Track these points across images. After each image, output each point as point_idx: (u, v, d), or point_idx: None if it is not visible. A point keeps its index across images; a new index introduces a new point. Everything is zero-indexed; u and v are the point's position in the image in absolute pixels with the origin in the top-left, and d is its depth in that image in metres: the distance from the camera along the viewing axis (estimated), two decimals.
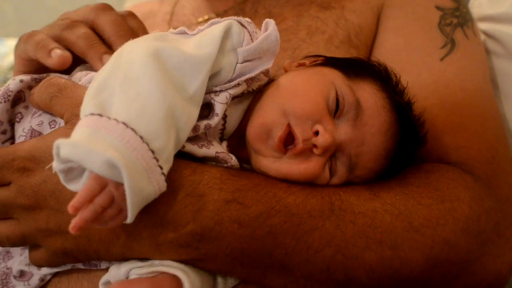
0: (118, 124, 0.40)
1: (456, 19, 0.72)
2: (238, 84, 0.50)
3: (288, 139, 0.50)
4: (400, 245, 0.49)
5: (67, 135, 0.46)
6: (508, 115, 0.77)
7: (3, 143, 0.55)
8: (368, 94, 0.53)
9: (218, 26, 0.49)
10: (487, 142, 0.62)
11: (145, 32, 0.62)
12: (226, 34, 0.49)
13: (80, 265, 0.52)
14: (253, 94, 0.54)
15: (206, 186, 0.47)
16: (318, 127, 0.49)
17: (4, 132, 0.55)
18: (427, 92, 0.63)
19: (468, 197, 0.54)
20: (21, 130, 0.54)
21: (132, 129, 0.40)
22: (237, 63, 0.50)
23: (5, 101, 0.54)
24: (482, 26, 0.86)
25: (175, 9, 0.91)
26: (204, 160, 0.50)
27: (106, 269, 0.50)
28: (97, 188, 0.40)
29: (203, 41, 0.48)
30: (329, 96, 0.51)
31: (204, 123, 0.48)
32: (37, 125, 0.54)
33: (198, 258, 0.47)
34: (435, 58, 0.68)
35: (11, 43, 2.22)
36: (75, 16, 0.60)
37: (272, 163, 0.50)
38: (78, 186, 0.42)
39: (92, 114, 0.41)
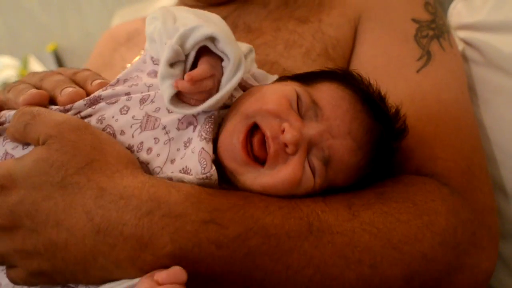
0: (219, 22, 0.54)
1: (432, 31, 0.73)
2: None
3: (259, 151, 0.51)
4: (379, 263, 0.49)
5: (41, 154, 0.48)
6: (486, 122, 0.78)
7: None
8: (324, 93, 0.54)
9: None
10: (462, 153, 0.63)
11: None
12: (252, 50, 0.61)
13: None
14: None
15: (182, 206, 0.46)
16: (285, 124, 0.50)
17: None
18: (403, 104, 0.64)
19: (445, 210, 0.54)
20: None
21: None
22: (249, 70, 0.61)
23: None
24: (460, 34, 0.87)
25: None
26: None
27: None
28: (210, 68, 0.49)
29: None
30: (291, 97, 0.53)
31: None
32: (12, 149, 0.54)
33: None
34: (411, 70, 0.69)
35: (2, 60, 2.23)
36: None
37: (254, 179, 0.50)
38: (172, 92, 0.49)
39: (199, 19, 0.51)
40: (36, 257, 0.48)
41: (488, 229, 0.58)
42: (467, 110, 0.69)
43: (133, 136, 0.53)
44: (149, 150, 0.52)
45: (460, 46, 0.86)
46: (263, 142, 0.51)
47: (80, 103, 0.55)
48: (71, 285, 0.51)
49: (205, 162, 0.50)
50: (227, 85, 0.49)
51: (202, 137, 0.51)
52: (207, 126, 0.51)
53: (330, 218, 0.50)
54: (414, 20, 0.73)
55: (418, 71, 0.68)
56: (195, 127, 0.52)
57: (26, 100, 0.54)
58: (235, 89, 0.54)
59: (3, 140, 0.55)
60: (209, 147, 0.50)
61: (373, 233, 0.50)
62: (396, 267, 0.50)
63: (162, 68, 0.49)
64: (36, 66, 2.32)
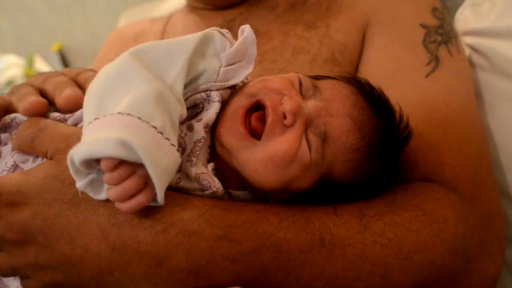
0: (115, 116, 0.42)
1: (440, 37, 0.73)
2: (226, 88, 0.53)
3: (256, 125, 0.51)
4: (389, 274, 0.50)
5: (50, 170, 0.48)
6: (493, 128, 0.79)
7: None
8: (326, 82, 0.55)
9: (199, 32, 0.52)
10: (470, 159, 0.63)
11: None
12: (207, 39, 0.52)
13: None
14: None
15: (196, 223, 0.46)
16: (285, 97, 0.51)
17: None
18: (413, 109, 0.64)
19: (454, 217, 0.55)
20: (4, 165, 0.54)
21: (129, 114, 0.42)
22: (220, 67, 0.53)
23: None
24: (467, 40, 0.88)
25: (166, 27, 0.93)
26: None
27: None
28: (114, 163, 0.41)
29: (182, 38, 0.51)
30: (293, 80, 0.54)
31: (185, 124, 0.50)
32: (22, 162, 0.54)
33: None
34: (420, 75, 0.69)
35: (8, 58, 2.24)
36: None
37: (250, 154, 0.50)
38: (104, 195, 0.45)
39: (90, 121, 0.43)
40: (49, 271, 0.48)
41: (495, 235, 0.58)
42: (474, 116, 0.69)
43: None
44: None
45: (467, 52, 0.86)
46: (261, 118, 0.51)
47: (79, 112, 0.54)
48: None
49: (207, 181, 0.50)
50: (150, 172, 0.41)
51: (192, 162, 0.50)
52: (198, 152, 0.50)
53: (341, 231, 0.50)
54: (422, 26, 0.74)
55: (426, 76, 0.69)
56: (183, 150, 0.51)
57: (25, 109, 0.53)
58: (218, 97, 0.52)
59: (12, 151, 0.54)
60: (203, 168, 0.50)
61: (384, 244, 0.50)
62: (406, 276, 0.50)
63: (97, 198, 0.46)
64: (41, 65, 2.32)
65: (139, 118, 0.42)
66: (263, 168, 0.50)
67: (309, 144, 0.51)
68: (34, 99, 0.54)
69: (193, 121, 0.51)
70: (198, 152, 0.50)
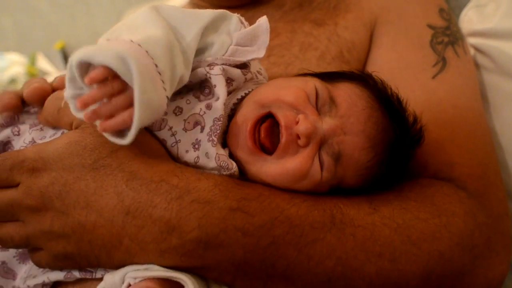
0: (126, 41, 0.43)
1: (447, 38, 0.73)
2: (232, 65, 0.53)
3: (265, 140, 0.51)
4: (398, 258, 0.50)
5: (74, 137, 0.50)
6: (498, 129, 0.79)
7: None
8: (342, 91, 0.54)
9: (218, 10, 0.53)
10: (478, 158, 0.63)
11: None
12: (224, 17, 0.53)
13: (76, 273, 0.52)
14: None
15: (211, 193, 0.47)
16: (300, 116, 0.50)
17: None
18: (420, 109, 0.65)
19: (462, 212, 0.55)
20: (22, 142, 0.55)
21: (139, 45, 0.43)
22: (230, 45, 0.53)
23: None
24: (472, 40, 0.88)
25: None
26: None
27: (101, 278, 0.50)
28: (109, 89, 0.42)
29: (200, 10, 0.52)
30: (310, 91, 0.53)
31: (204, 103, 0.51)
32: (40, 139, 0.55)
33: (201, 266, 0.48)
34: (427, 76, 0.69)
35: (11, 57, 2.24)
36: None
37: (260, 168, 0.51)
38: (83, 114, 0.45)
39: (102, 41, 0.45)
40: (62, 240, 0.49)
41: (502, 235, 0.59)
42: (481, 116, 0.69)
43: None
44: None
45: (471, 52, 0.86)
46: (271, 131, 0.51)
47: None
48: (88, 269, 0.52)
49: (225, 163, 0.50)
50: (136, 96, 0.42)
51: (214, 142, 0.50)
52: (218, 131, 0.51)
53: (351, 211, 0.51)
54: (429, 26, 0.74)
55: (434, 77, 0.69)
56: (202, 128, 0.51)
57: (28, 93, 0.56)
58: (229, 76, 0.53)
59: (30, 128, 0.56)
60: (222, 150, 0.51)
61: (393, 227, 0.51)
62: (414, 264, 0.50)
63: (76, 115, 0.46)
64: (43, 63, 2.33)
65: (146, 52, 0.43)
66: (273, 182, 0.51)
67: (322, 163, 0.51)
68: (37, 84, 0.57)
69: (212, 100, 0.52)
70: (218, 131, 0.50)
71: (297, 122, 0.50)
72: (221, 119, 0.51)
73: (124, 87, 0.43)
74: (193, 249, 0.46)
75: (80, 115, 0.45)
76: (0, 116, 0.57)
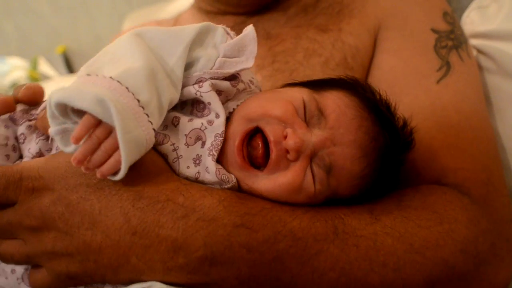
0: (105, 78, 0.44)
1: (451, 42, 0.73)
2: (221, 79, 0.52)
3: (255, 156, 0.51)
4: (402, 267, 0.50)
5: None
6: (501, 131, 0.79)
7: (14, 162, 0.54)
8: (331, 100, 0.54)
9: (202, 23, 0.53)
10: (482, 164, 0.63)
11: None
12: (209, 30, 0.53)
13: None
14: None
15: (216, 210, 0.47)
16: (288, 129, 0.50)
17: (14, 149, 0.55)
18: (424, 114, 0.64)
19: (465, 219, 0.55)
20: (27, 151, 0.54)
21: (118, 82, 0.44)
22: (217, 57, 0.52)
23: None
24: (474, 42, 0.88)
25: None
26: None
27: None
28: (92, 122, 0.43)
29: (185, 26, 0.52)
30: (297, 104, 0.53)
31: (204, 120, 0.51)
32: (47, 151, 0.54)
33: (207, 282, 0.48)
34: (431, 81, 0.69)
35: (12, 61, 2.25)
36: None
37: (252, 184, 0.51)
38: (72, 148, 0.45)
39: (81, 76, 0.45)
40: (65, 259, 0.48)
41: (506, 241, 0.59)
42: (485, 121, 0.69)
43: None
44: None
45: (474, 54, 0.86)
46: (260, 146, 0.51)
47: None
48: (95, 285, 0.51)
49: (226, 176, 0.50)
50: (119, 140, 0.42)
51: (214, 157, 0.50)
52: (219, 146, 0.51)
53: (353, 222, 0.51)
54: (433, 30, 0.74)
55: (438, 82, 0.69)
56: (203, 143, 0.51)
57: (23, 94, 0.57)
58: (221, 91, 0.53)
59: (36, 137, 0.55)
60: (219, 165, 0.51)
61: (396, 236, 0.51)
62: (419, 273, 0.50)
63: (64, 150, 0.47)
64: (45, 67, 2.33)
65: (126, 88, 0.44)
66: (267, 196, 0.51)
67: (314, 176, 0.51)
68: (32, 84, 0.58)
69: (212, 117, 0.52)
70: (219, 146, 0.51)
71: (285, 137, 0.50)
72: (223, 135, 0.51)
73: (110, 129, 0.43)
74: (199, 266, 0.46)
75: (69, 149, 0.46)
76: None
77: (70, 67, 2.50)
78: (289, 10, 0.81)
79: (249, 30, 0.54)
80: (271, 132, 0.50)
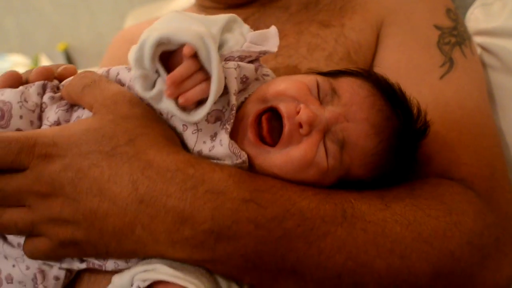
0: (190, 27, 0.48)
1: (454, 38, 0.73)
2: (247, 59, 0.55)
3: (271, 132, 0.52)
4: (409, 255, 0.50)
5: (93, 124, 0.51)
6: (505, 128, 0.79)
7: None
8: (345, 83, 0.55)
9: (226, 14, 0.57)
10: (486, 159, 0.63)
11: None
12: (235, 19, 0.57)
13: (83, 265, 0.52)
14: None
15: (225, 183, 0.47)
16: (301, 105, 0.51)
17: (39, 118, 0.55)
18: (427, 110, 0.64)
19: (472, 212, 0.55)
20: (46, 119, 0.55)
21: (200, 27, 0.49)
22: (244, 42, 0.56)
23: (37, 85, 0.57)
24: (478, 39, 0.88)
25: None
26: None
27: (111, 272, 0.50)
28: (193, 59, 0.46)
29: (211, 16, 0.56)
30: (311, 84, 0.54)
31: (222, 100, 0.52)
32: (65, 121, 0.55)
33: (211, 259, 0.47)
34: (435, 77, 0.69)
35: (14, 58, 2.25)
36: None
37: (264, 160, 0.51)
38: (153, 93, 0.48)
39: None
40: (71, 226, 0.48)
41: (510, 236, 0.58)
42: (488, 117, 0.69)
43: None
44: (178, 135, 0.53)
45: (478, 51, 0.86)
46: (273, 124, 0.52)
47: None
48: (91, 261, 0.51)
49: (237, 150, 0.51)
50: (213, 70, 0.47)
51: (228, 130, 0.51)
52: (232, 120, 0.52)
53: (363, 206, 0.50)
54: (436, 27, 0.74)
55: (441, 78, 0.69)
56: (221, 123, 0.52)
57: (60, 74, 0.59)
58: (245, 75, 0.55)
59: (57, 107, 0.55)
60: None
61: (405, 224, 0.51)
62: (425, 262, 0.50)
63: (143, 95, 0.50)
64: (46, 64, 2.33)
65: (210, 32, 0.49)
66: (279, 172, 0.51)
67: (327, 151, 0.51)
68: (42, 67, 0.59)
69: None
70: (232, 120, 0.52)
71: (299, 112, 0.50)
72: (234, 108, 0.52)
73: (200, 65, 0.47)
74: (205, 240, 0.46)
75: (148, 94, 0.48)
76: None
77: (71, 64, 2.51)
78: (290, 7, 0.82)
79: (272, 27, 0.58)
80: (285, 108, 0.51)
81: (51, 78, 0.59)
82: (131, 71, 0.49)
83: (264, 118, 0.52)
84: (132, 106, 0.52)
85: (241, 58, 0.55)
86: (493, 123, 0.70)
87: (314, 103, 0.52)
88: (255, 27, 0.82)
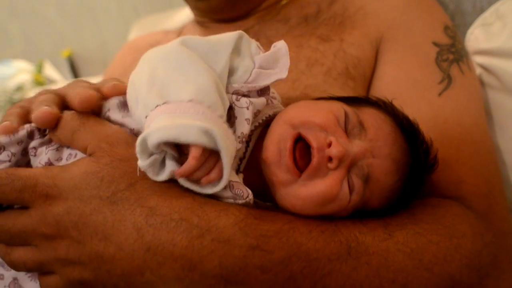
0: (186, 103, 0.45)
1: (452, 55, 0.74)
2: (259, 92, 0.53)
3: (301, 161, 0.51)
4: (410, 283, 0.50)
5: (90, 167, 0.49)
6: (502, 147, 0.79)
7: None
8: (369, 115, 0.55)
9: (235, 32, 0.54)
10: (483, 177, 0.64)
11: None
12: (242, 38, 0.54)
13: None
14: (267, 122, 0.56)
15: (231, 231, 0.47)
16: (331, 138, 0.50)
17: (16, 165, 0.54)
18: (427, 127, 0.65)
19: (471, 233, 0.55)
20: (38, 163, 0.54)
21: (200, 102, 0.45)
22: (253, 68, 0.53)
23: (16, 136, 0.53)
24: (478, 59, 0.89)
25: None
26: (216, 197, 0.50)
27: None
28: (201, 152, 0.44)
29: (221, 35, 0.53)
30: (339, 114, 0.53)
31: (232, 129, 0.51)
32: (56, 160, 0.54)
33: None
34: (433, 93, 0.70)
35: (18, 64, 2.26)
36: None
37: (289, 190, 0.51)
38: (165, 176, 0.47)
39: (158, 105, 0.46)
40: (78, 266, 0.49)
41: (506, 253, 0.59)
42: (485, 134, 0.70)
43: None
44: None
45: (478, 71, 0.87)
46: (303, 153, 0.51)
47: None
48: None
49: (240, 191, 0.50)
50: (224, 159, 0.45)
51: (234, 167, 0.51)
52: (232, 162, 0.50)
53: (367, 239, 0.50)
54: (434, 44, 0.75)
55: (439, 95, 0.69)
56: None
57: (37, 118, 0.52)
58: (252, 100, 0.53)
59: (46, 148, 0.54)
60: (236, 177, 0.51)
61: (407, 253, 0.51)
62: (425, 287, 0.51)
63: (155, 179, 0.48)
64: (50, 71, 2.34)
65: (209, 107, 0.45)
66: (300, 205, 0.51)
67: (351, 186, 0.51)
68: (45, 109, 0.53)
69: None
70: (232, 161, 0.50)
71: (329, 145, 0.50)
72: (240, 153, 0.52)
73: (210, 153, 0.45)
74: (215, 284, 0.46)
75: (160, 178, 0.47)
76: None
77: (75, 71, 2.52)
78: (290, 20, 0.82)
79: (281, 44, 0.55)
80: (315, 139, 0.50)
81: (95, 106, 0.55)
82: (139, 163, 0.46)
83: (297, 147, 0.51)
84: (128, 147, 0.51)
85: (250, 92, 0.53)
86: (489, 139, 0.70)
87: (342, 136, 0.52)
88: (255, 39, 0.83)
